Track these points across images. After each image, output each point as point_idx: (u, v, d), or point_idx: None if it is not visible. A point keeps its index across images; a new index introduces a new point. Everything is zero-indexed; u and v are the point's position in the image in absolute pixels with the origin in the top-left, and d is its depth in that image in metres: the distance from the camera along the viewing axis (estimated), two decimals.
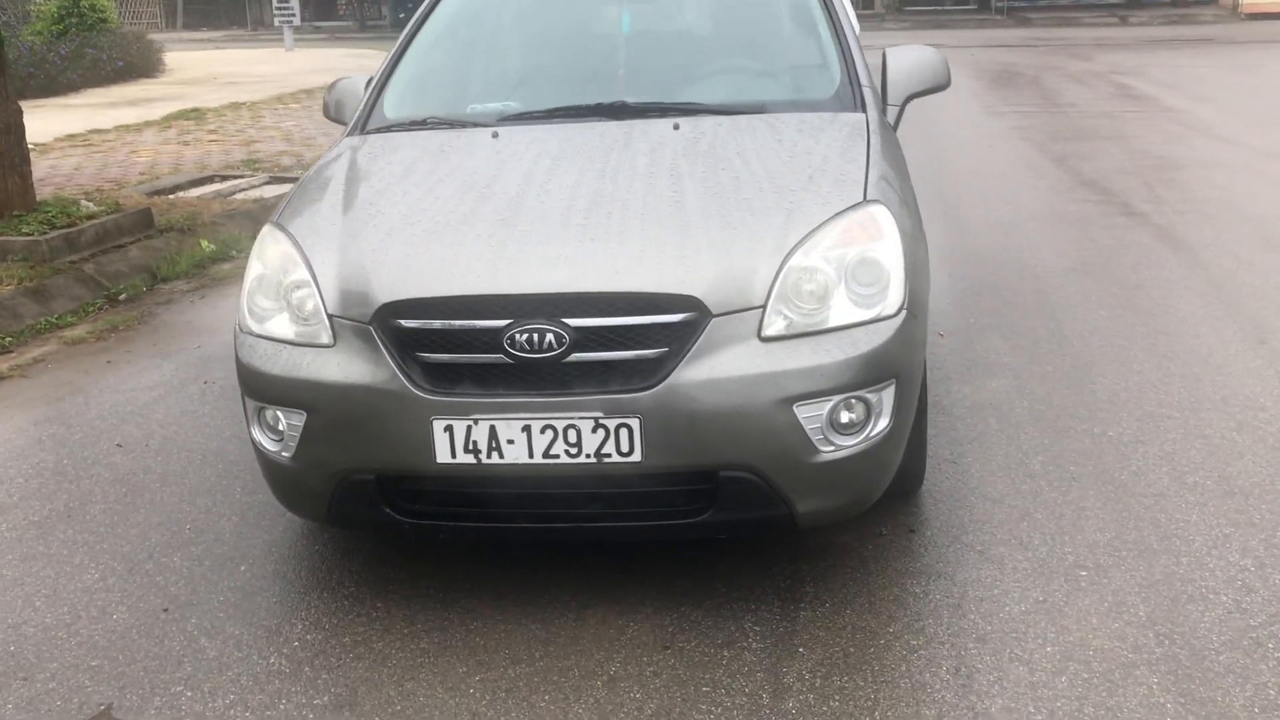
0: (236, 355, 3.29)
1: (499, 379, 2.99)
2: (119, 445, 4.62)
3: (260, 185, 9.80)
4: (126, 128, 13.20)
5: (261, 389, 3.21)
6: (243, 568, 3.59)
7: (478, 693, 2.90)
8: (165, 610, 3.36)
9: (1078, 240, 7.06)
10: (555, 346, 2.93)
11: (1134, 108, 12.95)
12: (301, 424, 3.14)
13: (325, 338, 3.13)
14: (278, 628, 3.24)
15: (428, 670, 3.00)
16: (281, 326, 3.25)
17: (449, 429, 2.97)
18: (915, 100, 4.15)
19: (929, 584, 3.25)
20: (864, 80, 3.95)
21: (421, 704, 2.87)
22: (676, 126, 3.69)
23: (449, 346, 3.02)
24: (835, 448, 2.98)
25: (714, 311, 2.93)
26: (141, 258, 7.36)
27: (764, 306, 2.96)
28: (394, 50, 4.35)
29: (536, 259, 3.04)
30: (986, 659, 2.91)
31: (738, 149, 3.51)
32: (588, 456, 2.94)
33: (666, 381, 2.90)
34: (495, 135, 3.78)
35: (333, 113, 4.52)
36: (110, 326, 6.27)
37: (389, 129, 4.06)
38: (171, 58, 21.91)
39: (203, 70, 21.25)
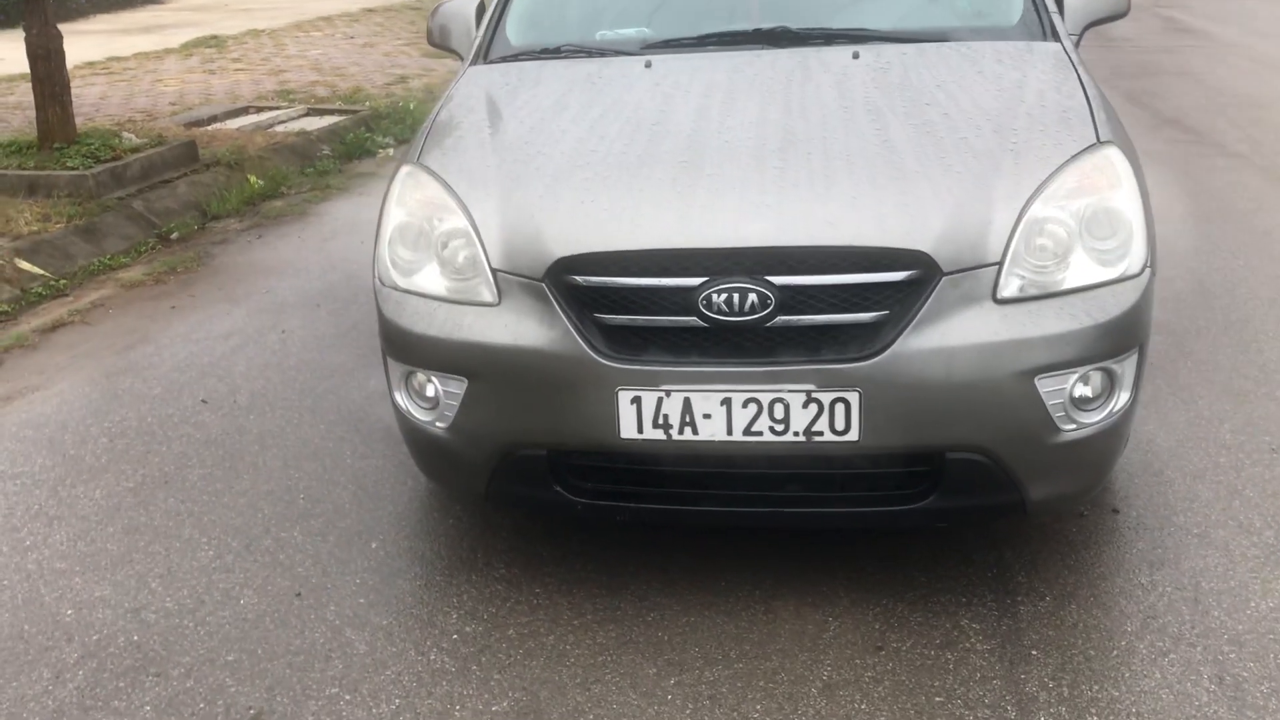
0: (380, 312, 2.91)
1: (692, 345, 2.63)
2: (204, 401, 4.26)
3: (299, 117, 9.34)
4: (146, 55, 12.67)
5: (413, 351, 2.84)
6: (373, 544, 3.25)
7: (676, 699, 2.57)
8: (298, 595, 3.02)
9: (1184, 184, 6.66)
10: (758, 308, 2.56)
11: (1191, 42, 12.46)
12: (462, 391, 2.77)
13: (488, 295, 2.76)
14: (430, 617, 2.90)
15: (612, 670, 2.67)
16: (430, 280, 2.87)
17: (636, 400, 2.61)
18: None
19: (1154, 574, 2.92)
20: (1050, 5, 3.53)
21: (616, 712, 2.54)
22: (856, 55, 3.29)
23: (634, 307, 2.64)
24: (1077, 426, 2.63)
25: (945, 269, 2.56)
26: (190, 194, 6.95)
27: (1000, 264, 2.59)
28: None
29: (733, 207, 2.66)
30: (1250, 665, 2.58)
31: (936, 81, 3.11)
32: (796, 434, 2.59)
33: (890, 350, 2.54)
34: (649, 65, 3.37)
35: (436, 39, 4.10)
36: (168, 268, 5.88)
37: (516, 57, 3.65)
38: None
39: None
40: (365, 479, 3.62)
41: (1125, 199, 2.73)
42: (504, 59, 3.66)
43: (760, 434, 2.60)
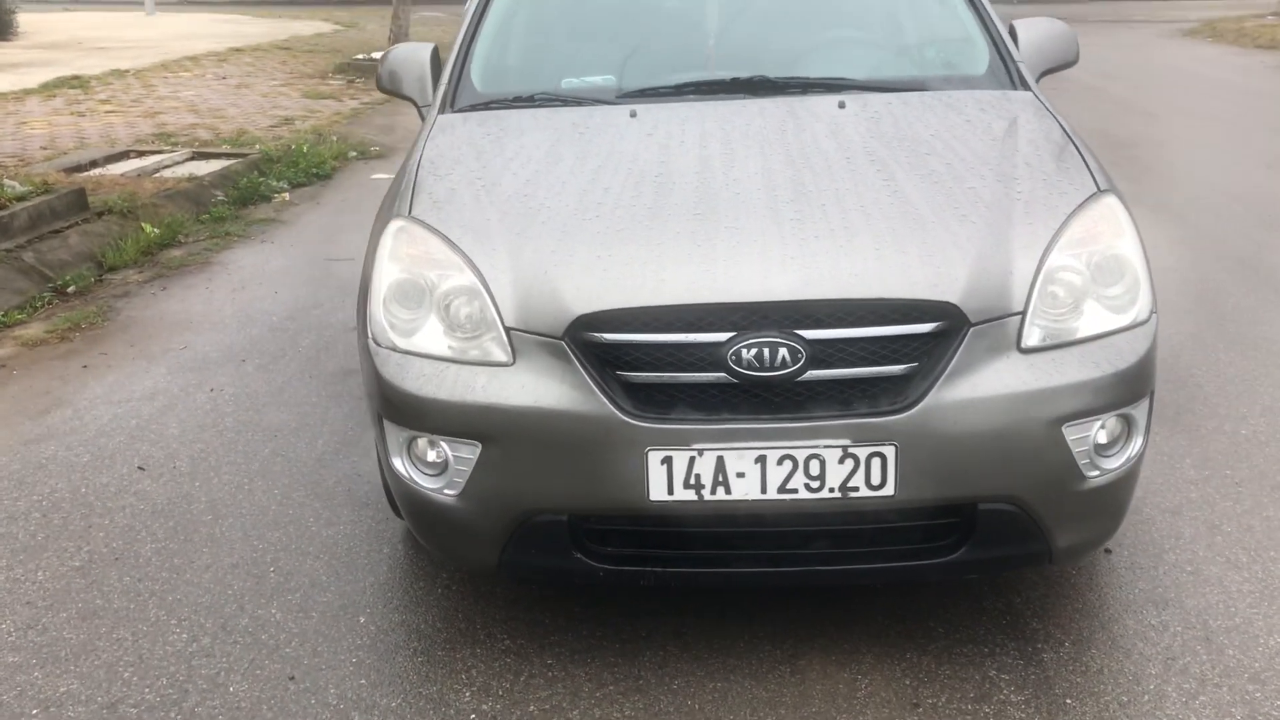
0: (379, 375, 2.76)
1: (722, 401, 2.56)
2: (141, 468, 4.01)
3: (185, 161, 9.00)
4: (4, 96, 12.07)
5: (419, 416, 2.70)
6: (361, 619, 3.07)
7: None
8: (291, 679, 2.83)
9: None
10: (789, 363, 2.51)
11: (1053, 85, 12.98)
12: (475, 457, 2.65)
13: (501, 354, 2.64)
14: (441, 696, 2.75)
15: None
16: (432, 340, 2.74)
17: (667, 461, 2.53)
18: None
19: (1162, 614, 2.96)
20: (1015, 55, 3.60)
21: None
22: (842, 105, 3.29)
23: (659, 364, 2.57)
24: (1100, 472, 2.65)
25: (972, 320, 2.56)
26: (83, 244, 6.59)
27: (1024, 313, 2.60)
28: (470, 18, 3.83)
29: (757, 259, 2.61)
30: (1278, 703, 2.62)
31: (930, 131, 3.13)
32: (831, 490, 2.54)
33: (925, 402, 2.52)
34: (634, 115, 3.31)
35: (386, 84, 3.98)
36: (70, 324, 5.54)
37: (488, 105, 3.55)
38: (24, 19, 20.34)
39: (63, 34, 19.81)
40: (336, 548, 3.44)
41: (1129, 246, 2.77)
42: (473, 107, 3.55)
43: (795, 491, 2.54)
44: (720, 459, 2.52)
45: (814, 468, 2.52)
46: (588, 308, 2.58)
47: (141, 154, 9.13)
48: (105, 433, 4.31)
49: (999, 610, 2.99)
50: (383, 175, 9.07)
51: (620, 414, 2.53)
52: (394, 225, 2.91)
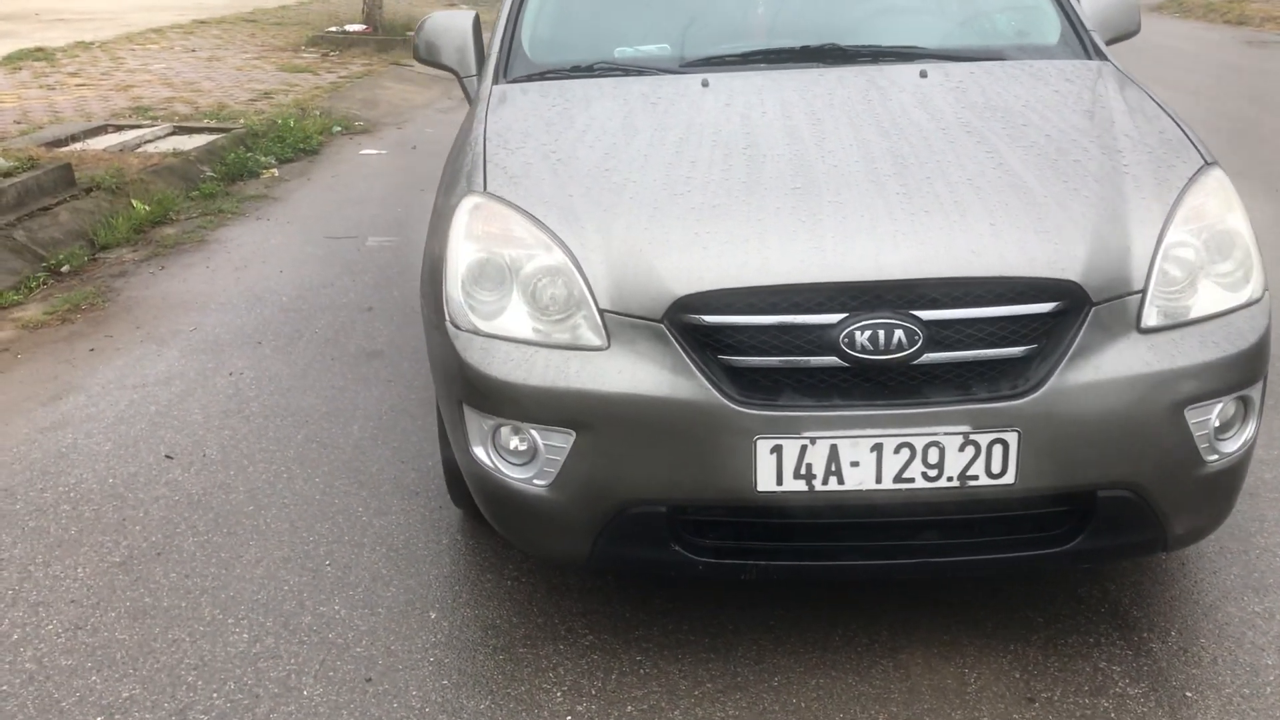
0: (462, 360, 2.60)
1: (832, 387, 2.43)
2: (169, 457, 3.82)
3: (166, 136, 8.71)
4: None
5: (507, 402, 2.55)
6: (432, 615, 2.93)
7: None
8: (369, 680, 2.69)
9: None
10: (905, 345, 2.39)
11: None
12: (568, 445, 2.50)
13: (595, 338, 2.50)
14: (531, 697, 2.61)
15: None
16: (516, 323, 2.59)
17: (777, 450, 2.40)
18: None
19: (1265, 600, 2.88)
20: (1088, 23, 3.49)
21: None
22: (924, 74, 3.16)
23: (765, 348, 2.43)
24: (1218, 456, 2.55)
25: (1094, 299, 2.44)
26: (74, 222, 6.35)
27: (1144, 292, 2.49)
28: None
29: (867, 236, 2.48)
30: None
31: (1020, 101, 3.01)
32: (949, 480, 2.42)
33: (1048, 385, 2.40)
34: (706, 84, 3.16)
35: (424, 54, 3.80)
36: (70, 305, 5.31)
37: (543, 75, 3.38)
38: None
39: (17, 3, 19.20)
40: (392, 539, 3.28)
41: (1239, 221, 2.67)
42: (529, 77, 3.38)
43: (911, 481, 2.42)
44: (834, 448, 2.40)
45: (932, 456, 2.40)
46: (689, 288, 2.44)
47: (120, 128, 8.82)
48: (124, 419, 4.11)
49: (1095, 599, 2.90)
50: (371, 151, 8.87)
51: (726, 400, 2.40)
52: (469, 201, 2.74)
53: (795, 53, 3.35)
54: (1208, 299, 2.58)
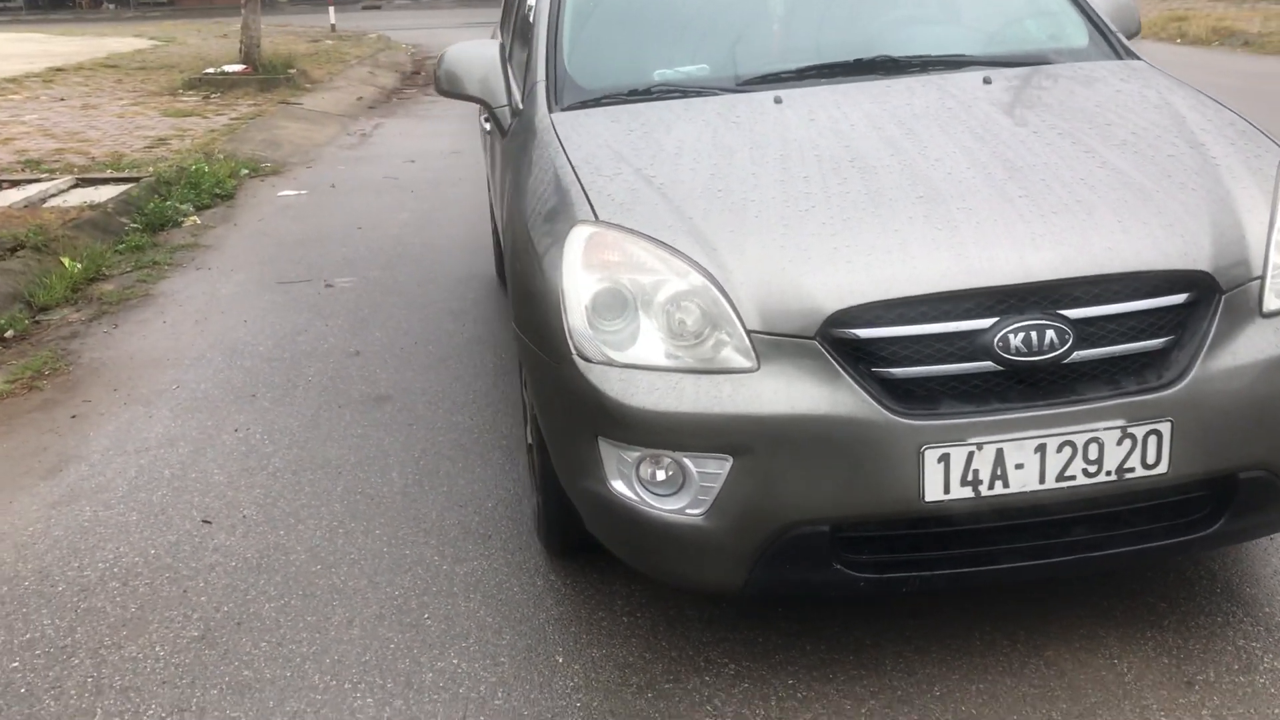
0: (600, 393, 2.52)
1: (989, 391, 2.45)
2: (207, 522, 3.63)
3: (70, 189, 8.32)
4: None
5: (656, 432, 2.49)
6: (559, 659, 2.84)
7: None
8: None
9: None
10: (1056, 345, 2.42)
11: None
12: (724, 472, 2.46)
13: (742, 360, 2.46)
14: None
15: None
16: (650, 351, 2.54)
17: (944, 458, 2.40)
18: None
19: None
20: (1111, 25, 3.61)
21: None
22: (988, 80, 3.21)
23: (919, 358, 2.44)
24: None
25: (1224, 287, 2.52)
26: (4, 284, 5.98)
27: (1262, 277, 2.57)
28: (551, 16, 3.58)
29: (1006, 240, 2.50)
30: None
31: (1090, 103, 3.09)
32: (1108, 474, 2.46)
33: (1193, 374, 2.46)
34: (779, 101, 3.16)
35: (445, 85, 3.69)
36: (32, 372, 5.01)
37: (598, 102, 3.33)
38: None
39: None
40: (483, 585, 3.17)
41: None
42: (583, 104, 3.32)
43: (1073, 479, 2.45)
44: (1000, 452, 2.41)
45: (1092, 452, 2.44)
46: (841, 303, 2.43)
47: (16, 183, 8.38)
48: (140, 487, 3.88)
49: (1205, 581, 2.98)
50: (289, 192, 8.62)
51: (888, 413, 2.39)
52: (582, 232, 2.68)
53: (849, 66, 3.37)
54: None
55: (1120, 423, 2.43)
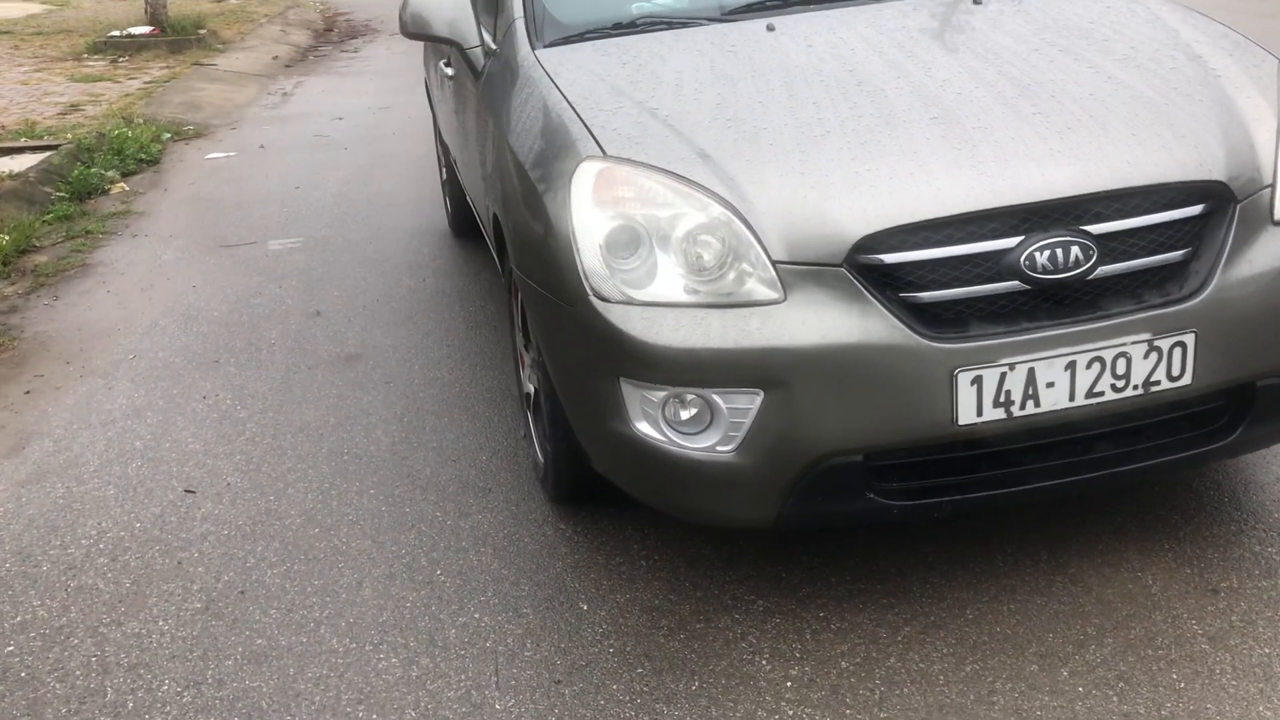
0: (621, 333, 2.46)
1: (1017, 310, 2.44)
2: (190, 492, 3.50)
3: None
4: None
5: (686, 369, 2.43)
6: (583, 606, 2.78)
7: (1089, 688, 2.38)
8: (558, 682, 2.53)
9: None
10: (1081, 261, 2.41)
11: None
12: (755, 406, 2.42)
13: (769, 291, 2.41)
14: (739, 670, 2.52)
15: (995, 676, 2.44)
16: (670, 287, 2.48)
17: (977, 381, 2.39)
18: None
19: None
20: None
21: (1040, 718, 2.31)
22: (978, 1, 3.17)
23: (947, 280, 2.41)
24: None
25: (1238, 196, 2.53)
26: None
27: (1273, 185, 2.59)
28: None
29: (1025, 157, 2.48)
30: None
31: (1084, 19, 3.07)
32: (1135, 388, 2.47)
33: (1214, 284, 2.47)
34: (771, 29, 3.09)
35: (411, 28, 3.55)
36: None
37: (582, 37, 3.23)
38: None
39: None
40: (492, 537, 3.11)
41: None
42: (567, 40, 3.22)
43: (1102, 394, 2.45)
44: (1031, 371, 2.40)
45: (1120, 367, 2.44)
46: (868, 228, 2.39)
47: None
48: (113, 460, 3.73)
49: (1213, 492, 3.02)
50: (218, 154, 8.34)
51: (920, 338, 2.37)
52: (590, 168, 2.59)
53: None
54: None
55: (1146, 336, 2.43)
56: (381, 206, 6.53)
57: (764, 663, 2.53)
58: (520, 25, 3.28)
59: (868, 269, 2.39)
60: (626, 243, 2.51)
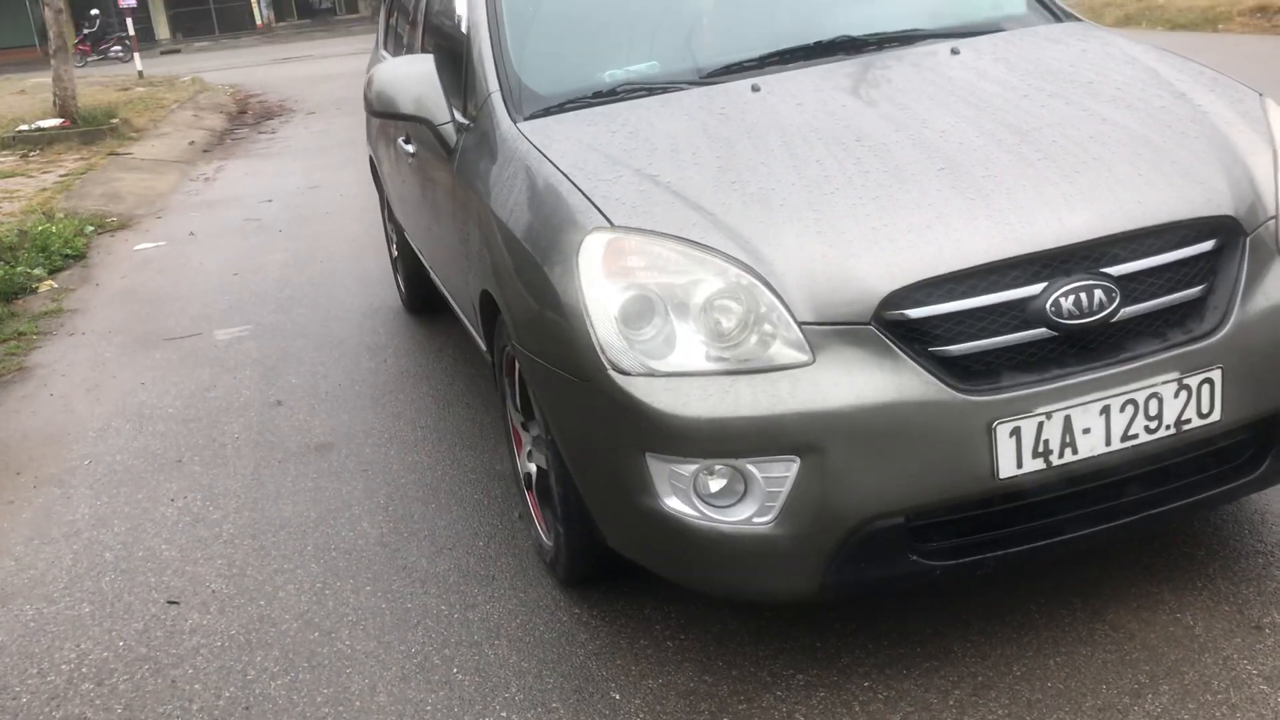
0: (646, 406, 2.37)
1: (1045, 357, 2.40)
2: (173, 603, 3.32)
3: None
4: None
5: (714, 441, 2.35)
6: (615, 695, 2.66)
7: None
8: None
9: None
10: (1105, 304, 2.39)
11: None
12: (792, 474, 2.34)
13: (796, 354, 2.35)
14: None
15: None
16: (691, 356, 2.40)
17: (1015, 432, 2.34)
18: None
19: None
20: None
21: None
22: (956, 51, 3.18)
23: (974, 332, 2.37)
24: None
25: (1247, 229, 2.54)
26: None
27: (1277, 216, 2.60)
28: (490, 24, 3.40)
29: (1039, 203, 2.46)
30: None
31: (1063, 64, 3.08)
32: (1167, 428, 2.44)
33: (1234, 318, 2.47)
34: (756, 89, 3.05)
35: (376, 106, 3.47)
36: None
37: (562, 107, 3.16)
38: None
39: None
40: (506, 629, 2.97)
41: None
42: (547, 111, 3.15)
43: (1136, 436, 2.42)
44: (1067, 418, 2.36)
45: (1153, 407, 2.41)
46: (893, 284, 2.34)
47: None
48: (83, 575, 3.53)
49: (1230, 524, 3.00)
50: (146, 245, 8.13)
51: (956, 392, 2.32)
52: (598, 239, 2.52)
53: (810, 49, 3.29)
54: None
55: (1175, 375, 2.41)
56: (328, 288, 6.39)
57: None
58: (498, 99, 3.20)
59: (895, 325, 2.34)
60: (641, 313, 2.43)
